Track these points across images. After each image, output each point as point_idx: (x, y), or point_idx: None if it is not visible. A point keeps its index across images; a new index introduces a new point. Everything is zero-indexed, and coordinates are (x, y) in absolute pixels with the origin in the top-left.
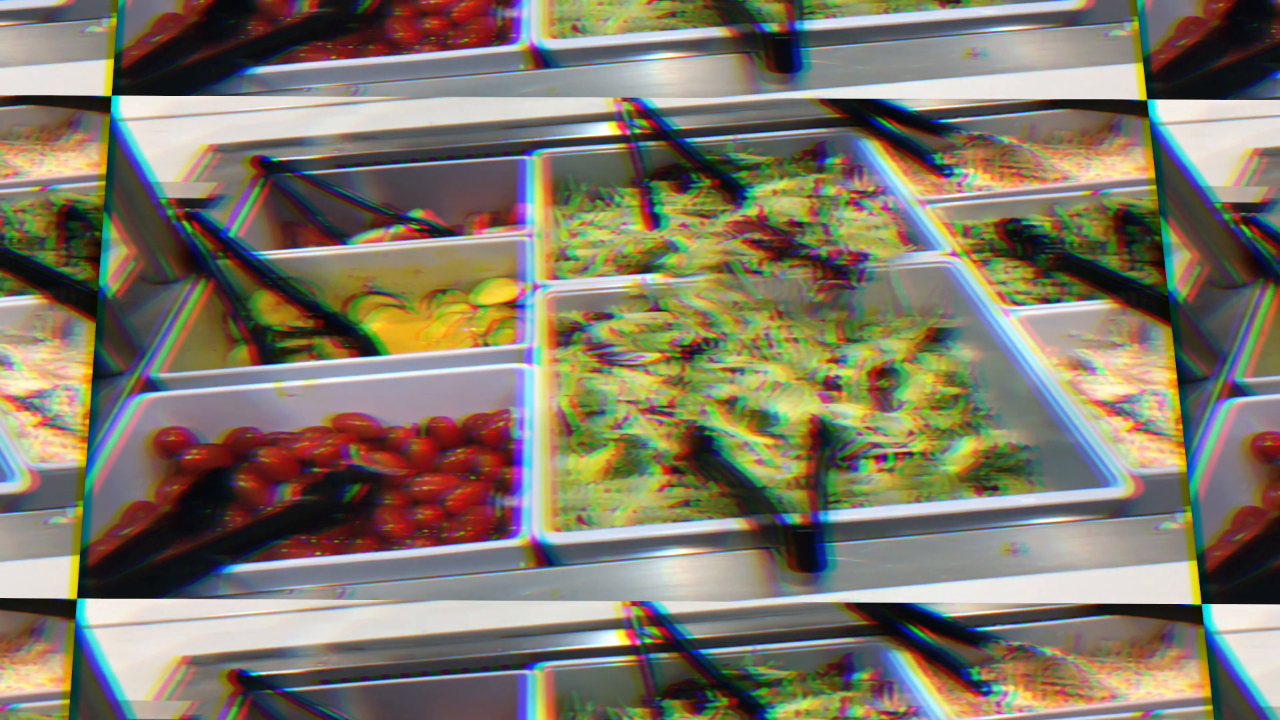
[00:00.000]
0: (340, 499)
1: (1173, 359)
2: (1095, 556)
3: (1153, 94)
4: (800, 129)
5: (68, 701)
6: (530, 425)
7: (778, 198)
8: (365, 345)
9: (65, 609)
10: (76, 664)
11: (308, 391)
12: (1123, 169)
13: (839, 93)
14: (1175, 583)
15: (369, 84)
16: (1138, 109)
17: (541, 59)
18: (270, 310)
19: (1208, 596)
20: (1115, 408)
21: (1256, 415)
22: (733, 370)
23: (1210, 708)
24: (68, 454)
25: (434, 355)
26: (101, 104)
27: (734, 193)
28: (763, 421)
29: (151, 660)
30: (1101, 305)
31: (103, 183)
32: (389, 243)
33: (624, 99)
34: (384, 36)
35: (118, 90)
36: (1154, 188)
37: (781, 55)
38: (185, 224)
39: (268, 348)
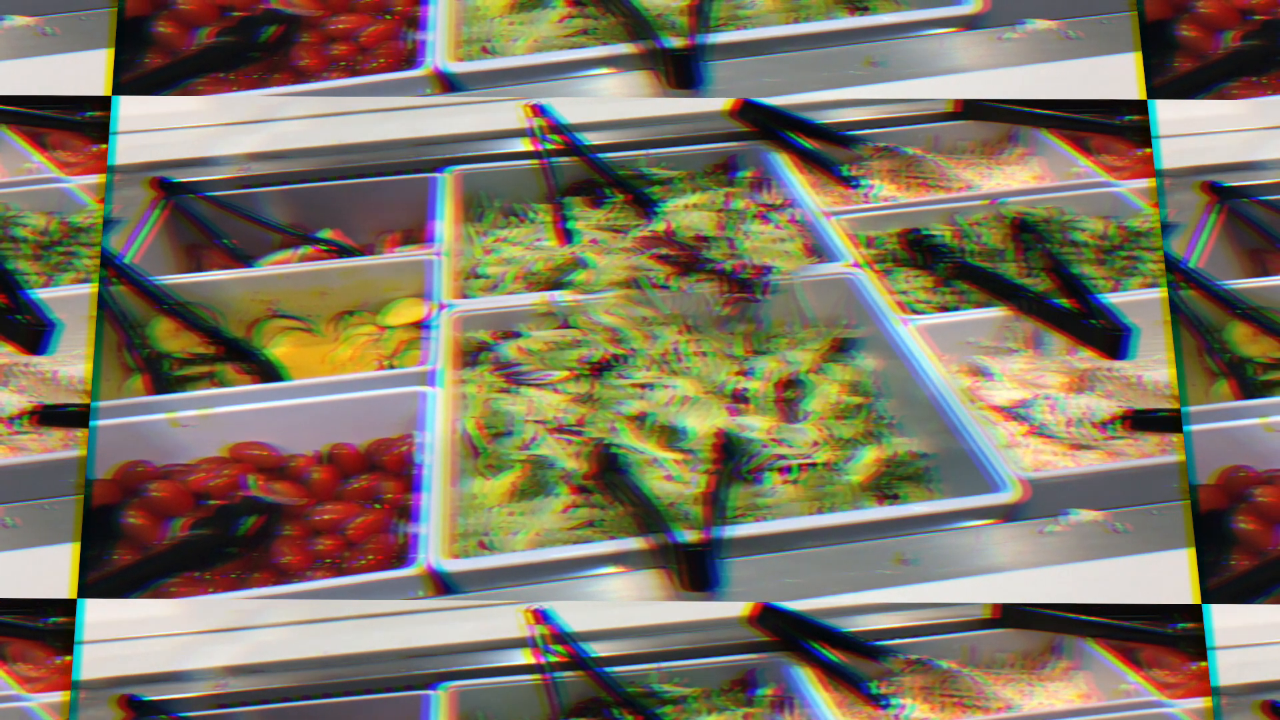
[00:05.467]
0: (234, 532)
1: (1175, 378)
2: (983, 562)
3: (1151, 93)
4: (711, 143)
5: (68, 698)
6: (430, 450)
7: (688, 212)
8: (268, 371)
9: (66, 609)
10: (76, 665)
11: (203, 421)
12: (1021, 178)
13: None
14: (1063, 585)
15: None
16: (1138, 108)
17: (448, 83)
18: (168, 337)
19: (1206, 597)
20: (1011, 412)
21: None
22: (642, 386)
23: (1210, 702)
24: None
25: (335, 380)
26: (102, 104)
27: (646, 207)
28: (672, 437)
29: None
30: (997, 312)
31: (104, 178)
32: (293, 264)
33: (534, 111)
34: (289, 65)
35: (118, 90)
36: (1154, 183)
37: (682, 71)
38: None
39: (164, 376)
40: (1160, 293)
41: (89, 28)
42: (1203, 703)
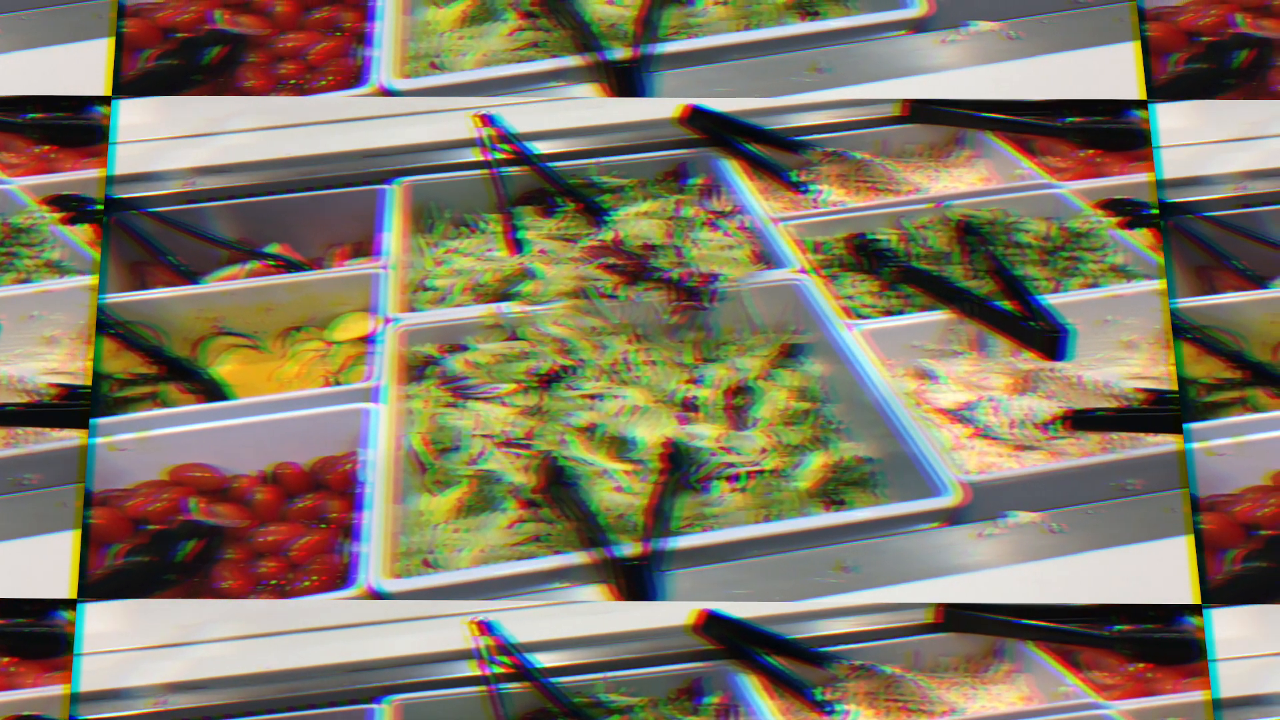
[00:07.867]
0: (172, 558)
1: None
2: (923, 566)
3: (1151, 94)
4: (661, 150)
5: (68, 693)
6: (373, 467)
7: (637, 220)
8: (213, 390)
9: (65, 609)
10: (76, 668)
11: (142, 444)
12: (968, 180)
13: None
14: (1002, 587)
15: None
16: (1138, 108)
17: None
18: (109, 358)
19: (1207, 597)
20: (956, 415)
21: None
22: (591, 397)
23: (1208, 697)
24: None
25: (278, 398)
26: (102, 104)
27: (597, 216)
28: (622, 447)
29: None
30: (941, 315)
31: (103, 174)
32: (237, 280)
33: (483, 120)
34: (235, 86)
35: (118, 91)
36: (1153, 180)
37: (626, 82)
38: None
39: (103, 398)
40: (1159, 285)
41: (29, 27)
42: (1141, 704)
